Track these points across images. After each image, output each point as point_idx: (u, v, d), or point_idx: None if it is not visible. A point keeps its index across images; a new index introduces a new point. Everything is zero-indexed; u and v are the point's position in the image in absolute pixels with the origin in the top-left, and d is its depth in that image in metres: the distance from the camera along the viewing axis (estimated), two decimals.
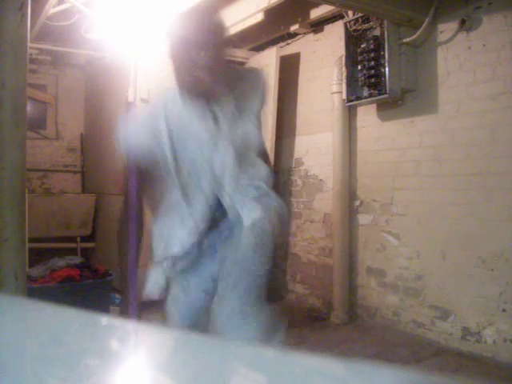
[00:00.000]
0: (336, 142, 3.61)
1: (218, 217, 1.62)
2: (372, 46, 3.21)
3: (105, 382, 0.47)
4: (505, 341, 2.71)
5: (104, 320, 0.68)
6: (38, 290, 2.88)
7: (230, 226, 1.62)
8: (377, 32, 3.20)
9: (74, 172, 5.18)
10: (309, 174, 4.09)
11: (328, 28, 3.90)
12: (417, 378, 0.45)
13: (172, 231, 1.61)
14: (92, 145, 4.97)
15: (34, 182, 4.88)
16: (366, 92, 3.31)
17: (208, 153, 1.53)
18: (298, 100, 4.19)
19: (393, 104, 3.33)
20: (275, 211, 1.61)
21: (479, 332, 2.83)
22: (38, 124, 4.95)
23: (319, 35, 3.99)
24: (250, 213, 1.56)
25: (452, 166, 3.00)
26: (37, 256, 3.58)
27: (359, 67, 3.31)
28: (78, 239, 4.59)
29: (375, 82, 3.20)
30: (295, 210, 4.21)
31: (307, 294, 4.07)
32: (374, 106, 3.48)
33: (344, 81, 3.46)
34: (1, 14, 1.85)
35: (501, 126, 2.75)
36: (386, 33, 3.12)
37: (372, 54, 3.20)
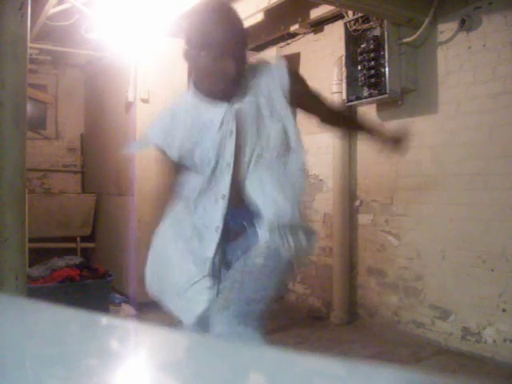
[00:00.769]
0: (336, 141, 3.61)
1: (236, 230, 1.55)
2: (372, 46, 3.21)
3: (105, 382, 0.47)
4: (505, 341, 2.71)
5: (104, 320, 0.69)
6: (38, 290, 2.88)
7: (247, 242, 1.54)
8: (377, 32, 3.20)
9: (74, 172, 5.18)
10: (309, 173, 4.08)
11: (328, 28, 3.89)
12: (417, 377, 0.45)
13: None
14: (92, 145, 4.97)
15: (33, 181, 4.87)
16: (366, 92, 3.31)
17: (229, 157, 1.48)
18: None
19: (393, 104, 3.33)
20: (296, 243, 1.52)
21: (479, 332, 2.83)
22: (38, 124, 4.95)
23: (319, 35, 3.99)
24: (265, 233, 1.48)
25: (452, 165, 3.00)
26: (37, 256, 3.58)
27: (359, 67, 3.31)
28: (78, 239, 4.59)
29: (375, 82, 3.20)
30: None
31: (307, 293, 4.07)
32: (374, 106, 3.48)
33: (344, 81, 3.46)
34: (1, 14, 1.85)
35: (500, 126, 2.75)
36: (386, 33, 3.11)
37: (372, 54, 3.20)
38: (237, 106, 1.48)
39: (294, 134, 1.54)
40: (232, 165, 1.48)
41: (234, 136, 1.47)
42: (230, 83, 1.44)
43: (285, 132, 1.53)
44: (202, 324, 1.46)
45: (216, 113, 1.48)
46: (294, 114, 1.57)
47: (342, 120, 1.89)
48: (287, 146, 1.54)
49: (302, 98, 1.59)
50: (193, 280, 1.50)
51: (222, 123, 1.47)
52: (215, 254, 1.50)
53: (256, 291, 1.44)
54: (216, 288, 1.49)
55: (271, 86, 1.52)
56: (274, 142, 1.51)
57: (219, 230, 1.49)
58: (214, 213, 1.49)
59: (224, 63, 1.40)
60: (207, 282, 1.49)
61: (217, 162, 1.49)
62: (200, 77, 1.50)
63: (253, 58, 1.57)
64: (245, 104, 1.48)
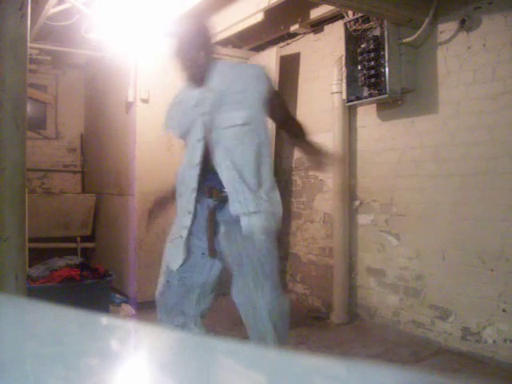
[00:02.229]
0: (336, 142, 3.61)
1: (210, 189, 1.83)
2: (372, 46, 3.21)
3: (105, 381, 0.47)
4: (505, 341, 2.71)
5: (104, 320, 0.69)
6: (38, 290, 2.88)
7: (226, 220, 1.82)
8: (377, 32, 3.20)
9: (74, 172, 5.18)
10: (309, 173, 4.09)
11: (328, 28, 3.89)
12: (417, 377, 0.45)
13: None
14: (92, 145, 4.97)
15: (33, 182, 4.87)
16: (365, 92, 3.31)
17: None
18: (298, 100, 4.19)
19: (393, 104, 3.33)
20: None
21: (479, 332, 2.83)
22: (38, 124, 4.95)
23: (319, 35, 3.99)
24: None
25: (452, 165, 3.00)
26: (37, 256, 3.58)
27: (359, 67, 3.31)
28: (78, 239, 4.59)
29: (375, 82, 3.20)
30: (295, 210, 4.21)
31: (307, 294, 4.07)
32: (374, 106, 3.48)
33: (344, 81, 3.46)
34: (1, 14, 1.85)
35: (500, 126, 2.75)
36: (386, 33, 3.11)
37: (372, 54, 3.20)
38: (207, 92, 1.81)
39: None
40: (202, 140, 1.80)
41: (204, 117, 1.80)
42: (193, 74, 1.84)
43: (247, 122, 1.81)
44: (184, 271, 1.85)
45: (192, 96, 1.86)
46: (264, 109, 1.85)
47: (296, 135, 2.12)
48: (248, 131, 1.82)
49: (273, 103, 1.87)
50: (174, 235, 1.88)
51: (196, 104, 1.83)
52: (194, 209, 1.83)
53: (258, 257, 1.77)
54: (185, 248, 1.84)
55: (244, 85, 1.81)
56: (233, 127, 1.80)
57: (195, 191, 1.81)
58: (191, 179, 1.82)
59: (186, 60, 1.83)
60: (180, 242, 1.83)
61: (192, 136, 1.84)
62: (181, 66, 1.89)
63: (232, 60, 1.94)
64: (212, 91, 1.81)
